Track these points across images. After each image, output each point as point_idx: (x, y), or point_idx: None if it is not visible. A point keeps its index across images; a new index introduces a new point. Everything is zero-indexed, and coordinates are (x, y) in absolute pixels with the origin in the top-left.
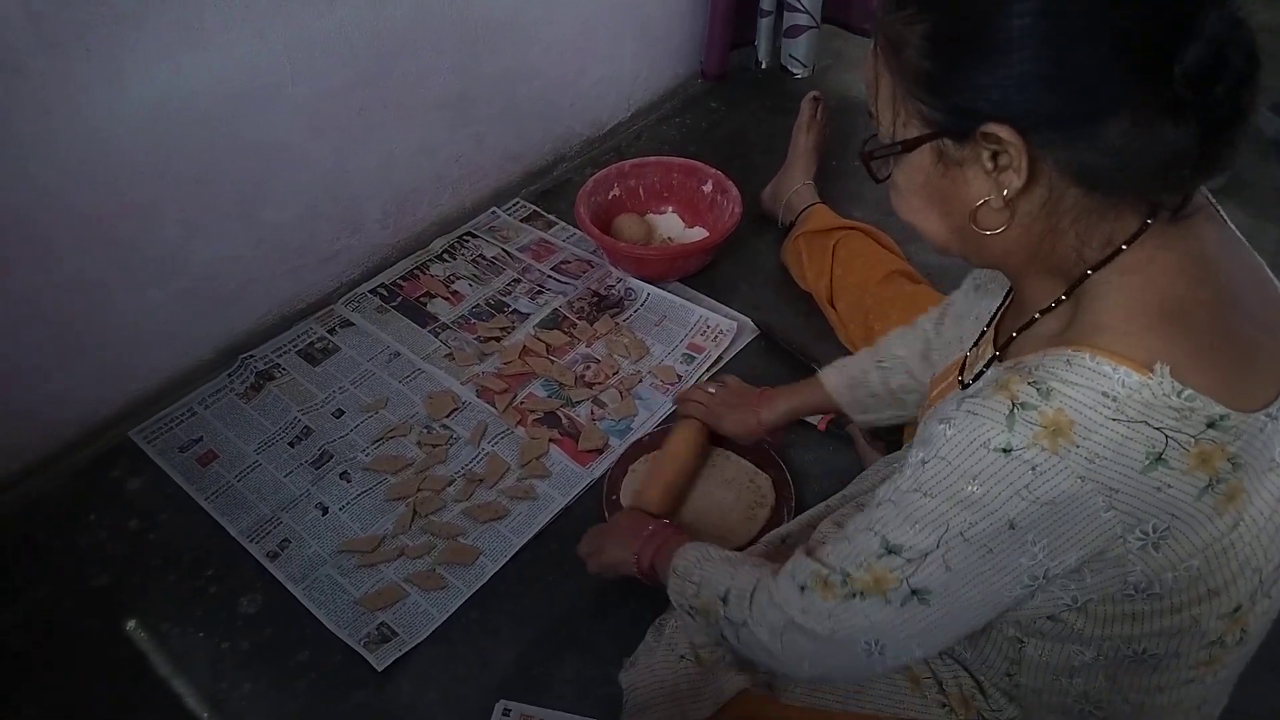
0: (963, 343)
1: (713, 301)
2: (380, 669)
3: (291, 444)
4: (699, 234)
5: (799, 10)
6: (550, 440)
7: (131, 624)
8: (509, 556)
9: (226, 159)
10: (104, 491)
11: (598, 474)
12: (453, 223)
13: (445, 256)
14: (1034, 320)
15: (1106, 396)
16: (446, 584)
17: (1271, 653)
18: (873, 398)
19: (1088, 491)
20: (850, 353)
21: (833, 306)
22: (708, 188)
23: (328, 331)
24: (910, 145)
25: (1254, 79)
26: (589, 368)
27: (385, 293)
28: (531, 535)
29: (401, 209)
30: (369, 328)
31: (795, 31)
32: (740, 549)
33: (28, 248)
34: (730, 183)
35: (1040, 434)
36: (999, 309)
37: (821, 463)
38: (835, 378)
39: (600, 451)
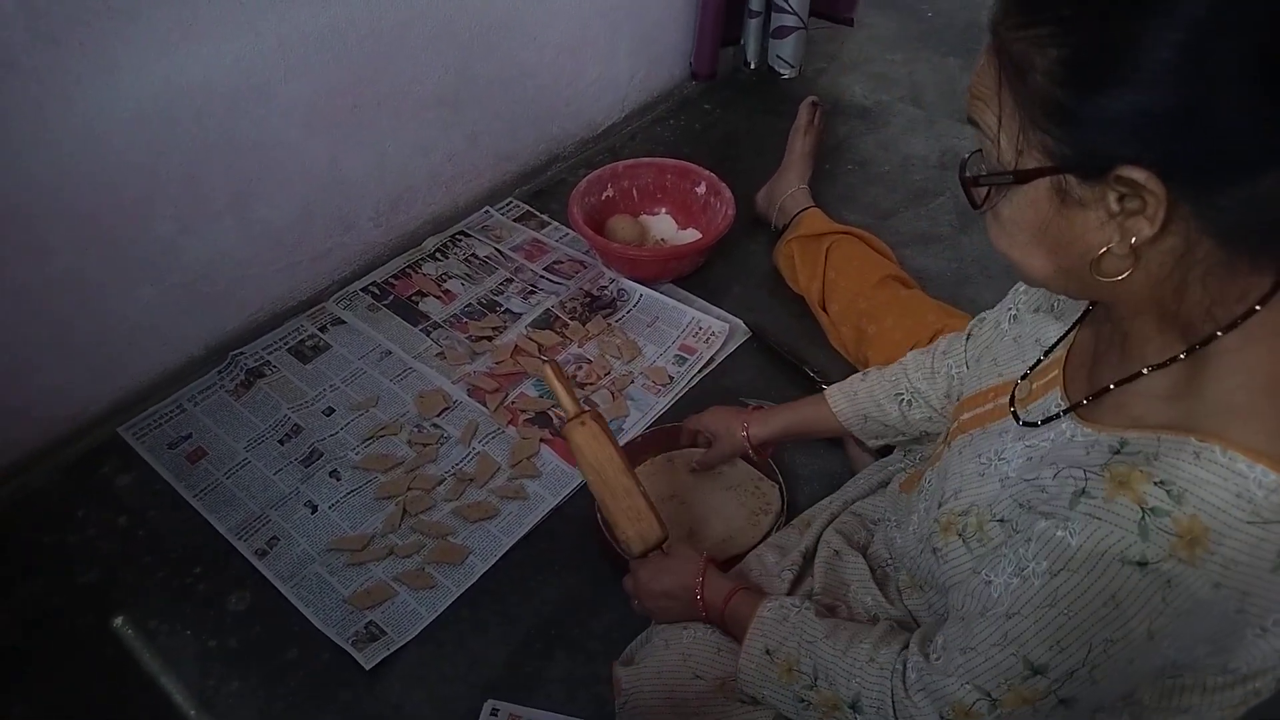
0: (997, 364)
1: (705, 303)
2: (368, 668)
3: (281, 442)
4: (692, 235)
5: (786, 11)
6: (541, 440)
7: (120, 621)
8: (499, 556)
9: (219, 156)
10: (93, 488)
11: None
12: (445, 222)
13: (438, 255)
14: (1139, 374)
15: (1241, 498)
16: (436, 583)
17: None
18: (887, 428)
19: (1222, 597)
20: (842, 356)
21: (825, 310)
22: (701, 189)
23: (319, 329)
24: (1025, 177)
25: None
26: (581, 368)
27: (377, 291)
28: (521, 535)
29: (394, 207)
30: (360, 326)
31: (783, 32)
32: (743, 555)
33: (19, 243)
34: (723, 185)
35: (1177, 544)
36: (1064, 336)
37: (812, 465)
38: (847, 406)
39: None
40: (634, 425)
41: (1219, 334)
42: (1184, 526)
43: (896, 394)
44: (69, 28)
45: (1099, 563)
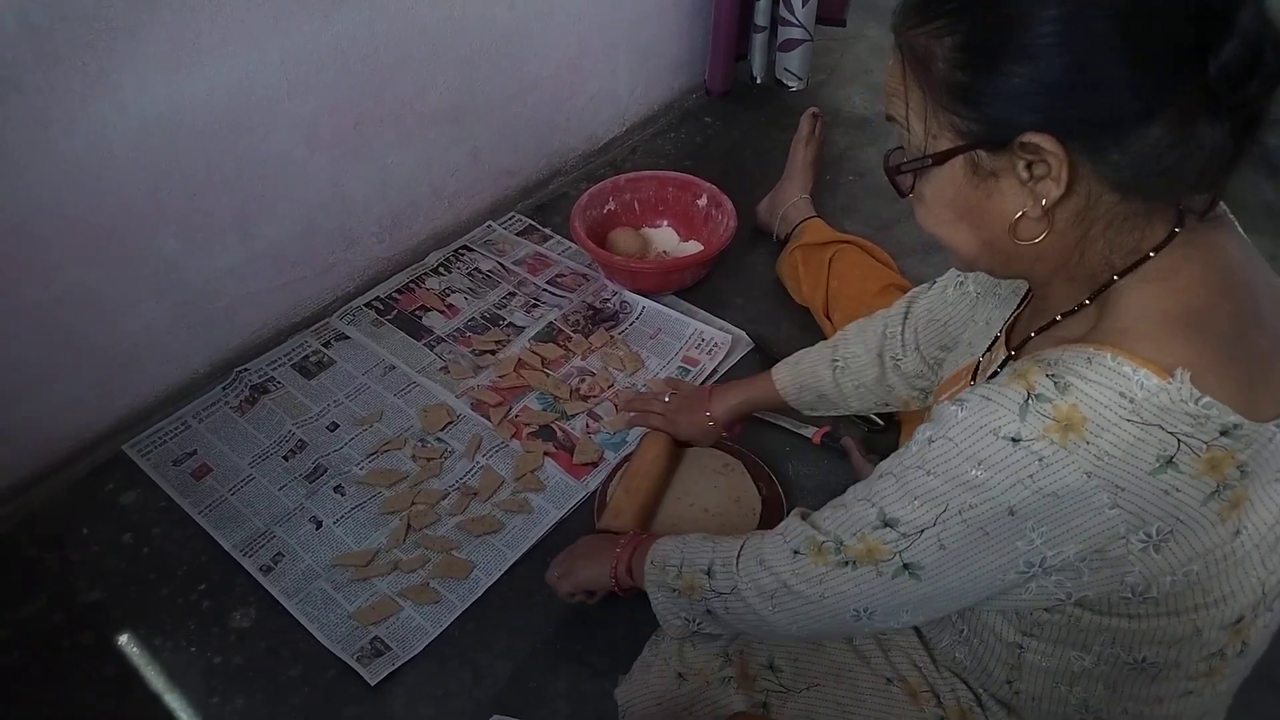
0: (972, 347)
1: (708, 315)
2: (373, 684)
3: (285, 458)
4: (694, 248)
5: (793, 24)
6: (545, 453)
7: (124, 638)
8: (503, 570)
9: (223, 173)
10: (98, 505)
11: (592, 487)
12: (448, 236)
13: (441, 270)
14: (1054, 322)
15: (1124, 397)
16: (440, 598)
17: (1271, 669)
18: (821, 399)
19: (1093, 487)
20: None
21: (828, 319)
22: (703, 202)
23: (323, 345)
24: (942, 158)
25: None
26: (584, 381)
27: (381, 306)
28: (526, 549)
29: (397, 223)
30: (364, 341)
31: (790, 45)
32: None
33: (23, 261)
34: (725, 197)
35: (1052, 427)
36: (1013, 315)
37: (815, 476)
38: (786, 375)
39: (595, 465)
40: (638, 438)
41: (1116, 278)
42: (1062, 413)
43: (833, 360)
44: (72, 47)
45: (975, 433)
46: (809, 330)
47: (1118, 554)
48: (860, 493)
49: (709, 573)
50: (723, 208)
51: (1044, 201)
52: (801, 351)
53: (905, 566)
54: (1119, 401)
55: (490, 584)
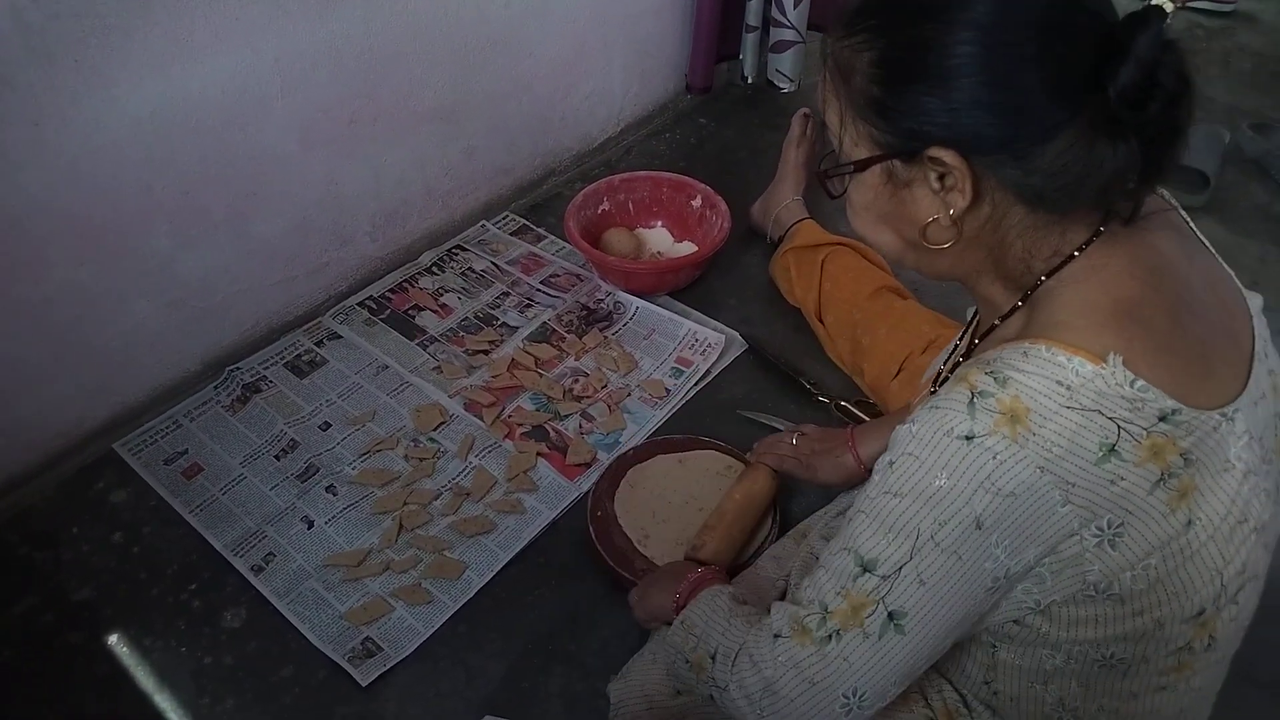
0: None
1: (701, 315)
2: (365, 684)
3: (277, 457)
4: (688, 248)
5: (785, 25)
6: (538, 454)
7: (114, 638)
8: (495, 570)
9: (216, 171)
10: (88, 504)
11: (585, 488)
12: (442, 235)
13: (434, 269)
14: (994, 327)
15: (1060, 384)
16: (432, 598)
17: (1252, 667)
18: None
19: (1046, 484)
20: (838, 367)
21: (821, 321)
22: (697, 202)
23: (315, 344)
24: (861, 165)
25: (1187, 97)
26: (577, 381)
27: (374, 305)
28: (518, 549)
29: (391, 221)
30: (357, 340)
31: (781, 47)
32: (746, 565)
33: (15, 258)
34: (719, 198)
35: (1000, 420)
36: (967, 326)
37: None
38: None
39: (588, 465)
40: (631, 438)
41: (1042, 279)
42: (1005, 405)
43: None
44: (65, 45)
45: (931, 439)
46: (803, 332)
47: (1074, 552)
48: (835, 545)
49: (713, 658)
50: (717, 209)
51: (952, 211)
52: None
53: (890, 616)
54: (1056, 390)
55: (482, 584)
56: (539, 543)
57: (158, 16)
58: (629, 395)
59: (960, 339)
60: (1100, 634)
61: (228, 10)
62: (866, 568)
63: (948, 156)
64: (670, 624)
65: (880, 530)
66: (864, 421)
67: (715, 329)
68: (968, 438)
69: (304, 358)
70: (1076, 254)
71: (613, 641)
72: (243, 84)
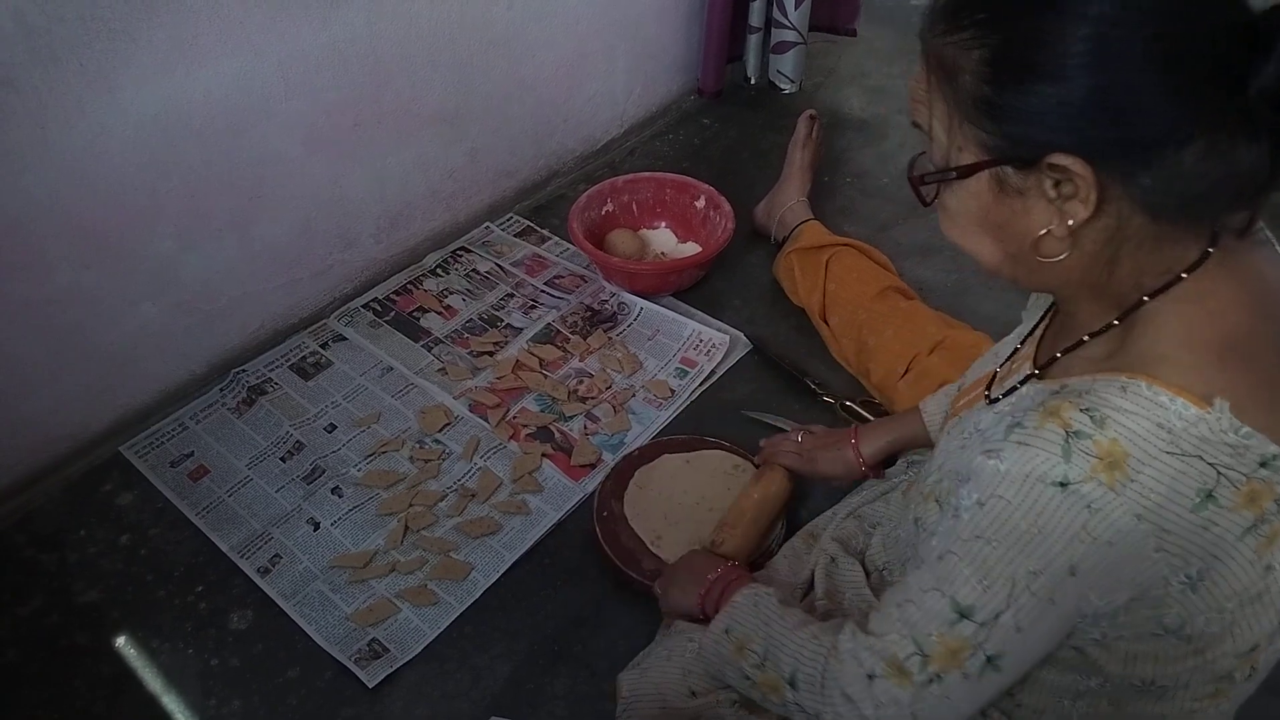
0: (997, 356)
1: (705, 316)
2: (371, 686)
3: (283, 459)
4: (692, 249)
5: (786, 26)
6: (543, 455)
7: (121, 640)
8: (501, 572)
9: (220, 174)
10: (94, 507)
11: (590, 489)
12: (446, 237)
13: (439, 271)
14: (1081, 343)
15: (1162, 427)
16: (438, 600)
17: (1271, 676)
18: None
19: (1142, 531)
20: (843, 368)
21: (825, 322)
22: (700, 203)
23: (320, 346)
24: (966, 172)
25: None
26: (582, 382)
27: (379, 307)
28: (524, 550)
29: (395, 224)
30: (362, 342)
31: (783, 47)
32: (763, 564)
33: (20, 260)
34: (723, 198)
35: (1097, 465)
36: (1035, 326)
37: None
38: (934, 407)
39: (593, 466)
40: (636, 439)
41: (1145, 299)
42: (1104, 449)
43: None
44: (69, 48)
45: (1024, 484)
46: (807, 332)
47: (1157, 595)
48: (925, 581)
49: (792, 683)
50: (720, 209)
51: (1070, 222)
52: (948, 385)
53: (989, 659)
54: (1157, 433)
55: (488, 585)
56: (545, 544)
57: (162, 20)
58: (634, 396)
59: (1022, 343)
60: (1154, 671)
61: (231, 14)
62: (964, 614)
63: (1073, 165)
64: (694, 620)
65: (975, 576)
66: (869, 422)
67: (719, 329)
68: (1062, 484)
69: (309, 360)
70: (1185, 275)
71: (619, 642)
72: (246, 87)
